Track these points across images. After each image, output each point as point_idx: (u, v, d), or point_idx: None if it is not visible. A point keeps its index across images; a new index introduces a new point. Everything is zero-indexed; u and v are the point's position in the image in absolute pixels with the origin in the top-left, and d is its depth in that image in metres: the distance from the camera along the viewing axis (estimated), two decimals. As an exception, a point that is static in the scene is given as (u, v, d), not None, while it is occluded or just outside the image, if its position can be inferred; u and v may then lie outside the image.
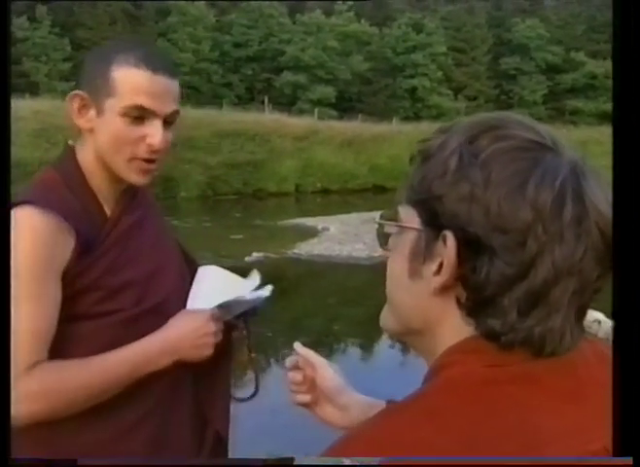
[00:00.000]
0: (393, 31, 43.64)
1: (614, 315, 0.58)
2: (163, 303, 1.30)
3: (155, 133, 1.19)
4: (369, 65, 40.83)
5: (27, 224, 1.14)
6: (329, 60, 39.59)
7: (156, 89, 1.18)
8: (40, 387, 1.14)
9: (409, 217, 0.64)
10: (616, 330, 0.58)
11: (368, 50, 41.95)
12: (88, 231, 1.19)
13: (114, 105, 1.17)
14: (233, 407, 1.42)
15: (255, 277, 1.40)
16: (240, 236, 11.93)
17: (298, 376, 1.00)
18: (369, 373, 5.31)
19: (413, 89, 42.83)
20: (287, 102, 36.87)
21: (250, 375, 1.44)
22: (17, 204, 1.15)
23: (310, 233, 12.40)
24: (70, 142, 1.29)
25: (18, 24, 35.09)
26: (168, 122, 1.22)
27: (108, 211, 1.26)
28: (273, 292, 1.38)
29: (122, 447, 1.24)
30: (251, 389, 1.43)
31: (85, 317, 1.20)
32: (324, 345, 6.19)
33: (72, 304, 1.18)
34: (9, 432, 0.94)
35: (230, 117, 22.54)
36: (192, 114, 20.23)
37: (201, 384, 1.35)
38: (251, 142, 21.09)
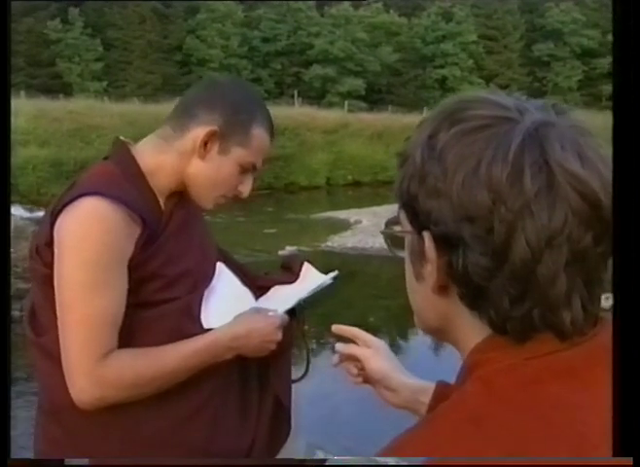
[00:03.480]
0: (422, 21, 43.24)
1: (614, 314, 0.56)
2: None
3: (248, 185, 1.35)
4: (398, 56, 40.55)
5: (97, 214, 1.17)
6: (358, 52, 39.43)
7: (268, 153, 1.36)
8: (115, 374, 1.20)
9: (404, 221, 0.62)
10: (616, 328, 0.56)
11: (397, 40, 41.65)
12: (150, 221, 1.25)
13: (241, 156, 1.30)
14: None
15: (313, 274, 1.51)
16: (273, 231, 11.98)
17: (352, 369, 1.09)
18: (403, 363, 5.30)
19: (444, 79, 42.41)
20: (316, 96, 36.84)
21: (301, 357, 1.49)
22: (82, 195, 1.18)
23: (343, 225, 12.39)
24: (122, 138, 1.33)
25: (52, 27, 35.75)
26: None
27: (162, 205, 1.32)
28: (336, 278, 1.48)
29: (182, 434, 1.28)
30: (301, 371, 1.50)
31: (147, 304, 1.25)
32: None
33: (135, 292, 1.23)
34: (9, 432, 0.97)
35: (260, 112, 22.53)
36: (222, 110, 20.27)
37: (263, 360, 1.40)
38: (281, 136, 21.10)
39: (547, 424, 0.52)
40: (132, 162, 1.28)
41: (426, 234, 0.58)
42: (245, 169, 1.32)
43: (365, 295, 7.95)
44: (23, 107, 17.55)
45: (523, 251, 0.53)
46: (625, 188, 0.56)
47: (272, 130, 1.36)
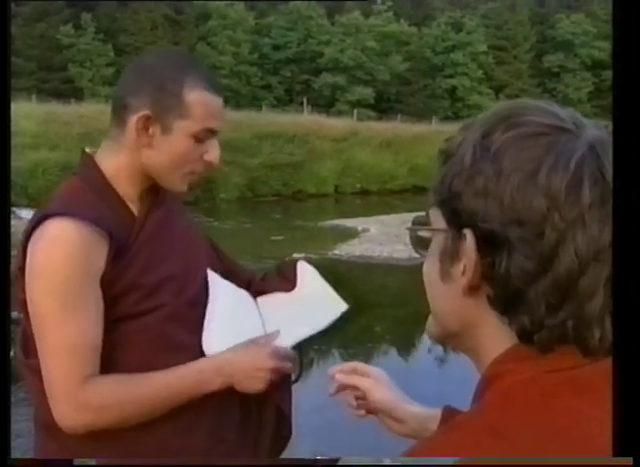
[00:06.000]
0: (432, 31, 43.30)
1: (614, 315, 0.55)
2: (200, 293, 1.33)
3: (214, 151, 1.26)
4: (407, 65, 40.58)
5: (62, 236, 1.14)
6: (367, 61, 39.50)
7: (220, 110, 1.26)
8: (97, 400, 1.17)
9: (437, 219, 0.62)
10: (616, 330, 0.55)
11: (407, 50, 41.69)
12: (119, 233, 1.21)
13: (186, 127, 1.21)
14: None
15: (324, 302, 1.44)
16: (281, 238, 12.00)
17: (352, 400, 1.06)
18: (409, 373, 5.28)
19: (453, 89, 42.44)
20: (326, 104, 36.91)
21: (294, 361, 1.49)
22: (46, 217, 1.16)
23: (350, 234, 12.39)
24: (87, 149, 1.30)
25: (65, 32, 35.99)
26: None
27: (135, 211, 1.27)
28: (345, 313, 1.42)
29: (182, 443, 1.25)
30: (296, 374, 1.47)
31: (128, 318, 1.21)
32: (364, 346, 6.18)
33: (114, 307, 1.20)
34: (9, 432, 0.97)
35: (269, 119, 22.66)
36: (231, 116, 20.44)
37: None
38: (290, 144, 21.18)
39: (565, 437, 0.52)
40: (97, 174, 1.25)
41: (468, 232, 0.57)
42: (201, 138, 1.23)
43: (371, 304, 7.93)
44: (34, 111, 17.69)
45: (570, 260, 0.53)
46: (625, 197, 0.55)
47: (215, 88, 1.24)
